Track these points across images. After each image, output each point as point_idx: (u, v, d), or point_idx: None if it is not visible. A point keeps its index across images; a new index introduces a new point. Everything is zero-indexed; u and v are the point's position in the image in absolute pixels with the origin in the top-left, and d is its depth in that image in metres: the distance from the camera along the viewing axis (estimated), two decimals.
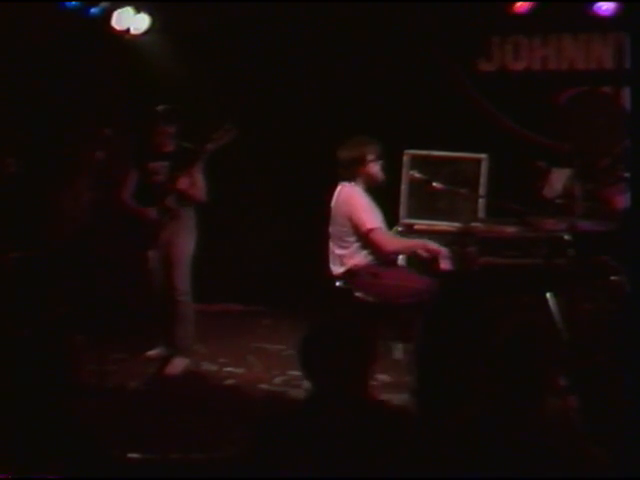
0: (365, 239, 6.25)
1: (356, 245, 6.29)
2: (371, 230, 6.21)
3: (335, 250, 6.38)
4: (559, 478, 2.96)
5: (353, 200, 6.30)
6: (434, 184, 6.58)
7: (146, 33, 8.51)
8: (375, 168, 6.34)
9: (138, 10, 8.41)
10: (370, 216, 6.27)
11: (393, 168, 6.76)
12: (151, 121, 6.82)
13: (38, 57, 8.00)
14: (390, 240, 6.33)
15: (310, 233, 7.86)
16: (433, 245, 6.23)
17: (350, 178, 6.33)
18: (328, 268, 6.44)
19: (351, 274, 6.29)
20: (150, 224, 6.73)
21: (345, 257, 6.32)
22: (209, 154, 6.67)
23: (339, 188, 6.42)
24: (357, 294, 6.28)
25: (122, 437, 5.08)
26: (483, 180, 7.11)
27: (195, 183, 6.73)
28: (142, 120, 7.08)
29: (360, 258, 6.29)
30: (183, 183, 6.70)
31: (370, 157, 6.31)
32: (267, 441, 3.13)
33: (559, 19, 7.85)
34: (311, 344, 3.23)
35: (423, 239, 6.43)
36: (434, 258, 6.22)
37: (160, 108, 6.82)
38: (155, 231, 6.74)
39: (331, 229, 6.42)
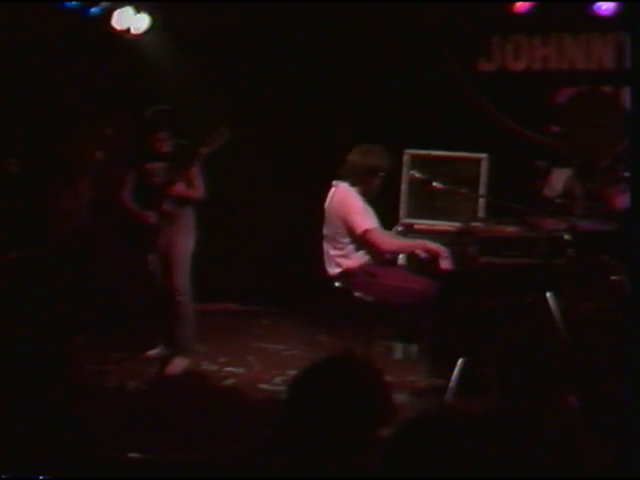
0: (361, 240, 6.25)
1: (351, 247, 6.29)
2: (367, 231, 6.21)
3: (330, 251, 6.37)
4: (559, 478, 2.96)
5: (347, 202, 6.30)
6: (434, 184, 6.57)
7: (146, 33, 8.50)
8: (379, 181, 6.37)
9: (138, 10, 8.41)
10: (365, 217, 6.26)
11: (393, 168, 6.76)
12: (143, 126, 6.82)
13: (38, 57, 8.00)
14: (387, 240, 6.33)
15: (310, 233, 7.85)
16: (432, 245, 6.22)
17: (352, 181, 6.33)
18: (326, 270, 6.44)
19: (347, 275, 6.29)
20: (149, 227, 6.73)
21: (340, 258, 6.32)
22: (204, 157, 6.67)
23: (333, 189, 6.42)
24: (356, 294, 6.28)
25: (122, 437, 5.09)
26: (483, 180, 7.11)
27: (193, 184, 6.73)
28: (136, 123, 7.07)
29: (356, 259, 6.29)
30: (180, 188, 6.69)
31: (381, 170, 6.34)
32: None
33: (559, 19, 7.86)
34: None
35: (423, 239, 6.42)
36: (434, 258, 6.22)
37: (148, 112, 6.80)
38: (154, 234, 6.74)
39: (325, 230, 6.41)
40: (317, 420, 2.56)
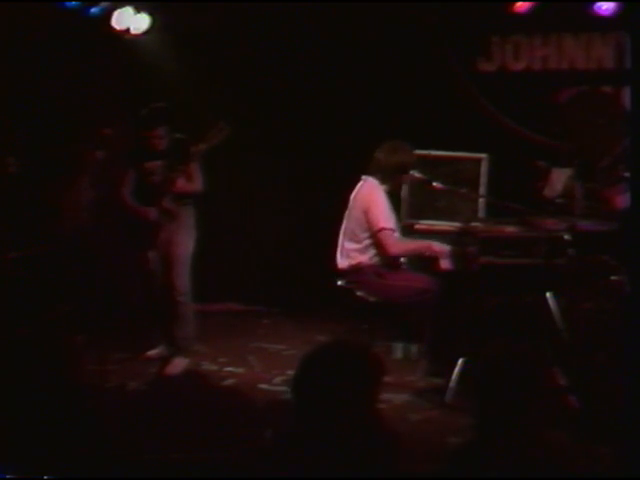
0: (374, 237, 6.27)
1: (367, 242, 6.31)
2: (382, 229, 6.24)
3: (345, 244, 6.40)
4: (559, 478, 2.96)
5: (373, 196, 6.34)
6: (434, 184, 6.58)
7: (146, 33, 8.51)
8: (406, 178, 6.42)
9: (138, 10, 8.41)
10: (385, 216, 6.30)
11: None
12: (140, 124, 6.83)
13: (38, 57, 8.00)
14: (396, 243, 6.34)
15: (311, 233, 7.86)
16: (438, 246, 6.23)
17: (381, 179, 6.36)
18: (329, 268, 6.44)
19: (356, 270, 6.31)
20: (149, 224, 6.73)
21: (354, 252, 6.34)
22: (203, 153, 6.68)
23: (361, 182, 6.46)
24: (359, 293, 6.29)
25: (122, 437, 5.08)
26: (483, 180, 7.10)
27: (192, 178, 6.74)
28: (134, 122, 7.08)
29: (368, 256, 6.31)
30: (179, 184, 6.70)
31: (409, 167, 6.39)
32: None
33: (559, 19, 7.86)
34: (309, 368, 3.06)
35: (428, 240, 6.42)
36: (435, 258, 6.24)
37: (145, 110, 6.81)
38: (154, 232, 6.74)
39: (345, 222, 6.45)
40: (325, 395, 2.95)
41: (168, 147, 6.77)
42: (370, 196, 6.35)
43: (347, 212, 6.47)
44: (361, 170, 6.49)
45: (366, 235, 6.32)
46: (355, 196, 6.46)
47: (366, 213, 6.30)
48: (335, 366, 2.97)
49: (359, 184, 6.48)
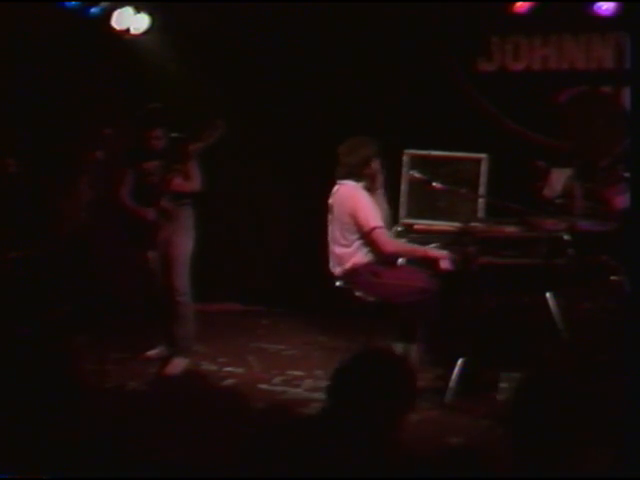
0: (366, 237, 6.24)
1: (357, 243, 6.28)
2: (374, 229, 6.20)
3: (335, 250, 6.35)
4: (559, 478, 2.95)
5: (356, 198, 6.28)
6: (434, 184, 6.57)
7: (146, 33, 8.51)
8: (376, 167, 6.35)
9: (138, 10, 8.41)
10: (374, 215, 6.26)
11: (393, 168, 6.76)
12: (138, 124, 6.83)
13: (38, 57, 8.00)
14: (390, 241, 6.32)
15: (311, 233, 7.85)
16: (435, 252, 6.21)
17: (354, 179, 6.33)
18: (328, 268, 6.43)
19: (351, 273, 6.28)
20: (148, 224, 6.73)
21: (345, 256, 6.30)
22: (200, 152, 6.68)
23: (337, 187, 6.40)
24: (357, 294, 6.28)
25: (122, 437, 5.07)
26: (483, 180, 7.10)
27: (190, 177, 6.75)
28: (132, 123, 7.08)
29: (361, 257, 6.28)
30: (177, 183, 6.70)
31: (373, 157, 6.32)
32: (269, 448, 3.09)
33: (559, 19, 7.86)
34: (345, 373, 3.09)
35: (425, 246, 6.38)
36: (435, 259, 6.22)
37: (142, 111, 6.81)
38: (154, 231, 6.74)
39: (330, 229, 6.39)
40: (357, 404, 3.01)
41: (165, 147, 6.78)
42: (353, 198, 6.29)
43: (330, 218, 6.41)
44: None
45: (356, 237, 6.26)
46: (334, 201, 6.37)
47: (353, 216, 6.23)
48: (372, 376, 3.01)
49: (335, 188, 6.40)
